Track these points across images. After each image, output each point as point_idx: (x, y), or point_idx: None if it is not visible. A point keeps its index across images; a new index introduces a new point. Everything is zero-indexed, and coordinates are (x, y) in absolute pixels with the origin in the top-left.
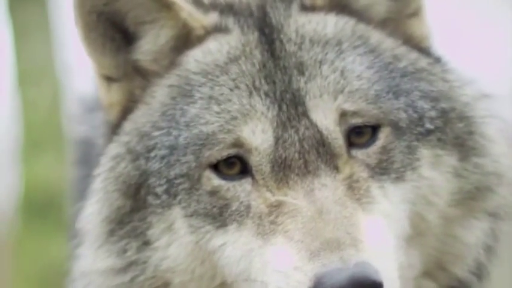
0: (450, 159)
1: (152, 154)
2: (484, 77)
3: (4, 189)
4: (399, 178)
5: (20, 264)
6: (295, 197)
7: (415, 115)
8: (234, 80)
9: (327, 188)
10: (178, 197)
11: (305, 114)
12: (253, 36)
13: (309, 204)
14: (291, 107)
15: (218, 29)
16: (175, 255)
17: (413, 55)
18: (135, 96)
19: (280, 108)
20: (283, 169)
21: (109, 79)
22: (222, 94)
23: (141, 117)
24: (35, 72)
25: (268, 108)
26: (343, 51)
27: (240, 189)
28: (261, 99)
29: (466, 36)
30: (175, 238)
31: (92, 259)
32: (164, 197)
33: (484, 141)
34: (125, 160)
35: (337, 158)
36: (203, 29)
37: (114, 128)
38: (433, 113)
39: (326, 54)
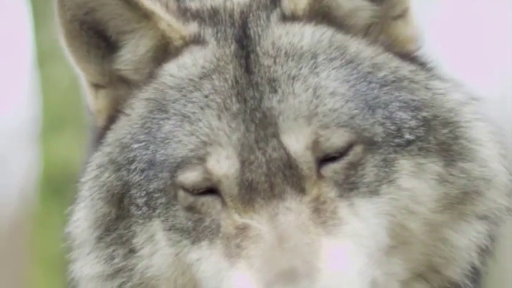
0: (434, 167)
1: (133, 166)
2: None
3: (23, 169)
4: (373, 192)
5: (38, 243)
6: (259, 221)
7: (392, 127)
8: (206, 96)
9: (291, 212)
10: (157, 211)
11: (275, 135)
12: (229, 49)
13: (271, 229)
14: (260, 127)
15: (196, 41)
16: (159, 265)
17: (395, 63)
18: (119, 105)
19: (247, 129)
20: (250, 192)
21: (96, 86)
22: (194, 113)
23: (122, 128)
24: (54, 52)
25: (235, 131)
26: (318, 65)
27: (212, 206)
28: (230, 120)
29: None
30: (157, 249)
31: (82, 265)
32: (145, 208)
33: (471, 146)
34: (108, 170)
35: (304, 179)
36: (182, 39)
37: (101, 136)
38: (413, 123)
39: (300, 69)
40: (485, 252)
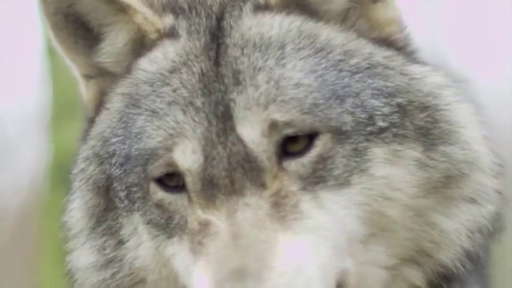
0: (412, 152)
1: (113, 160)
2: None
3: (34, 156)
4: (343, 184)
5: (48, 230)
6: (219, 217)
7: (363, 115)
8: (174, 91)
9: (250, 209)
10: (136, 204)
11: (233, 128)
12: (200, 42)
13: (228, 227)
14: (221, 120)
15: (170, 34)
16: (144, 257)
17: (369, 49)
18: (103, 97)
19: (210, 123)
20: (212, 188)
21: (87, 76)
22: (162, 108)
23: (103, 122)
24: None
25: (199, 125)
26: (286, 56)
27: (180, 203)
28: (194, 114)
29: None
30: (141, 241)
31: (78, 255)
32: (126, 202)
33: (452, 129)
34: (93, 163)
35: (264, 173)
36: (157, 33)
37: (89, 128)
38: (386, 110)
39: (266, 60)
40: (478, 234)
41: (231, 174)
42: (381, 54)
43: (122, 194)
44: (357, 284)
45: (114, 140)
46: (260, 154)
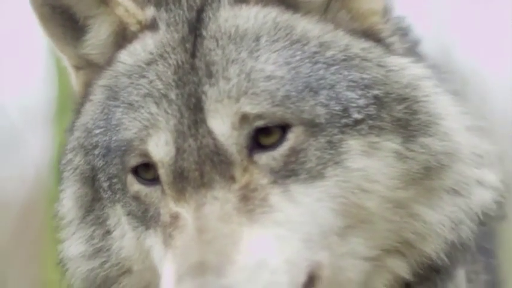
0: (390, 144)
1: (96, 152)
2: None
3: (39, 147)
4: (316, 177)
5: (52, 220)
6: (188, 210)
7: (338, 107)
8: (150, 83)
9: (218, 202)
10: (117, 196)
11: (204, 120)
12: (178, 34)
13: (195, 220)
14: (193, 113)
15: (150, 26)
16: (128, 247)
17: (345, 41)
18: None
19: (182, 115)
20: (182, 180)
21: (76, 67)
22: (137, 100)
23: (87, 113)
24: None
25: (171, 117)
26: (259, 49)
27: (155, 196)
28: (168, 106)
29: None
30: (124, 231)
31: (69, 245)
32: (109, 193)
33: (431, 120)
34: (79, 154)
35: (234, 166)
36: (138, 25)
37: (76, 117)
38: (362, 102)
39: (239, 52)
40: (466, 225)
41: (201, 167)
42: (358, 46)
43: (105, 185)
44: (333, 276)
45: (96, 131)
46: (230, 147)
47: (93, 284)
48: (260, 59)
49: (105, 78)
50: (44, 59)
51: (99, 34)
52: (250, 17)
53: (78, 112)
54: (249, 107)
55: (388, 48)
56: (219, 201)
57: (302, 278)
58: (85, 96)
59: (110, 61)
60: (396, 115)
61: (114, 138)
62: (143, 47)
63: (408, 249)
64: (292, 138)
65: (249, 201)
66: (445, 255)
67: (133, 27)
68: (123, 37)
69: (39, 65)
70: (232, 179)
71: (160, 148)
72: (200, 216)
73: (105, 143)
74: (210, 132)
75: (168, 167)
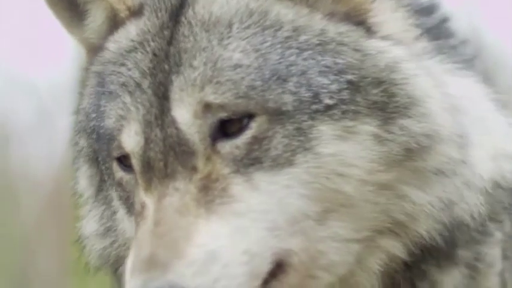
0: (367, 127)
1: (94, 136)
2: None
3: (66, 126)
4: (284, 164)
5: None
6: (152, 201)
7: (308, 94)
8: (128, 71)
9: (178, 193)
10: (110, 180)
11: (169, 110)
12: (159, 20)
13: (154, 212)
14: (160, 102)
15: (137, 12)
16: (129, 229)
17: (321, 25)
18: None
19: (151, 104)
20: (150, 171)
21: (85, 50)
22: (116, 89)
23: (86, 97)
24: None
25: (142, 107)
26: (230, 36)
27: (132, 183)
28: (140, 95)
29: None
30: (123, 214)
31: (86, 223)
32: (106, 176)
33: (409, 102)
34: (83, 137)
35: (196, 156)
36: (128, 10)
37: (80, 100)
38: (334, 87)
39: (210, 40)
40: (456, 206)
41: (165, 157)
42: (335, 30)
43: (103, 168)
44: (313, 260)
45: (93, 115)
46: (192, 136)
47: (108, 262)
48: (229, 47)
49: (96, 65)
50: (71, 40)
51: (96, 19)
52: (224, 3)
53: (81, 95)
54: (212, 97)
55: (370, 30)
56: (180, 192)
57: (266, 267)
58: (86, 79)
59: (101, 47)
60: (372, 98)
61: (101, 124)
62: (126, 34)
63: (401, 229)
64: (255, 127)
65: (209, 192)
66: (439, 236)
67: (123, 13)
68: (114, 23)
69: (68, 43)
70: (194, 169)
71: (131, 138)
72: (160, 208)
73: (97, 128)
74: (174, 122)
75: (138, 157)
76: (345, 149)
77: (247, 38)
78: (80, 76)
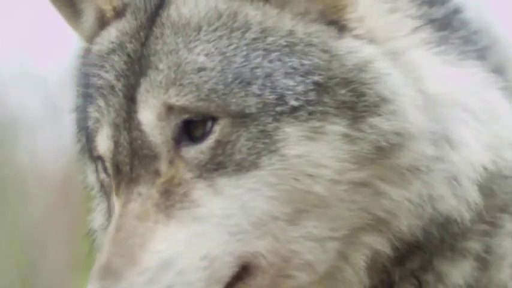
0: (336, 127)
1: (86, 135)
2: None
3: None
4: (249, 167)
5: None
6: (118, 206)
7: (272, 96)
8: (106, 73)
9: (140, 198)
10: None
11: (136, 112)
12: (137, 22)
13: (117, 217)
14: (129, 105)
15: (120, 13)
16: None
17: (290, 25)
18: None
19: (121, 107)
20: (118, 174)
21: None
22: (94, 92)
23: (77, 97)
24: None
25: (112, 110)
26: (198, 39)
27: (110, 185)
28: (112, 98)
29: None
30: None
31: (95, 216)
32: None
33: (379, 101)
34: (82, 134)
35: (159, 159)
36: (113, 11)
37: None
38: (300, 88)
39: (178, 43)
40: (437, 201)
41: (131, 161)
42: (304, 31)
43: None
44: (286, 261)
45: (82, 115)
46: (155, 138)
47: None
48: (195, 50)
49: (83, 65)
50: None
51: (88, 19)
52: (194, 5)
53: (76, 92)
54: (175, 99)
55: (344, 28)
56: (142, 197)
57: (228, 271)
58: (77, 79)
59: (89, 48)
60: (341, 99)
61: (87, 126)
62: (108, 35)
63: (383, 225)
64: (218, 130)
65: (171, 197)
66: (423, 231)
67: (109, 14)
68: (102, 23)
69: (76, 37)
70: (157, 173)
71: (103, 142)
72: (122, 214)
73: (86, 129)
74: (139, 124)
75: (109, 160)
76: (313, 150)
77: (213, 40)
78: (74, 75)
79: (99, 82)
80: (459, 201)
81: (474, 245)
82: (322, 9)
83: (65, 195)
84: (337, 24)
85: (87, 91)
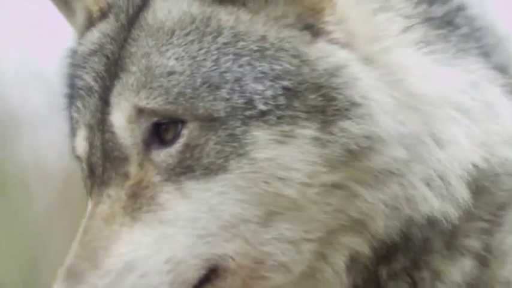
0: (306, 131)
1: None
2: None
3: None
4: (218, 171)
5: None
6: (90, 207)
7: (241, 100)
8: (86, 74)
9: (109, 200)
10: None
11: (109, 114)
12: (118, 23)
13: (87, 219)
14: (103, 107)
15: (105, 14)
16: None
17: (263, 30)
18: None
19: (96, 109)
20: (92, 176)
21: None
22: (75, 93)
23: (63, 96)
24: None
25: (88, 112)
26: (170, 43)
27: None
28: (89, 100)
29: None
30: None
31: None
32: None
33: (349, 105)
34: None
35: (129, 162)
36: (99, 12)
37: None
38: (269, 93)
39: (151, 46)
40: (415, 202)
41: (104, 163)
42: (275, 36)
43: None
44: (259, 263)
45: (68, 115)
46: (125, 140)
47: None
48: (166, 54)
49: (69, 66)
50: None
51: (79, 18)
52: (169, 10)
53: (63, 92)
54: (144, 102)
55: (319, 32)
56: (111, 199)
57: (194, 274)
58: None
59: (75, 49)
60: (311, 103)
61: (70, 126)
62: (91, 36)
63: (360, 226)
64: (186, 134)
65: (138, 200)
66: (403, 232)
67: (95, 14)
68: (90, 23)
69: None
70: (126, 175)
71: (80, 143)
72: (91, 215)
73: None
74: (111, 126)
75: (85, 161)
76: (283, 153)
77: (185, 45)
78: (62, 75)
79: (80, 83)
80: (444, 200)
81: (472, 242)
82: (299, 13)
83: (67, 193)
84: (313, 28)
85: (71, 92)
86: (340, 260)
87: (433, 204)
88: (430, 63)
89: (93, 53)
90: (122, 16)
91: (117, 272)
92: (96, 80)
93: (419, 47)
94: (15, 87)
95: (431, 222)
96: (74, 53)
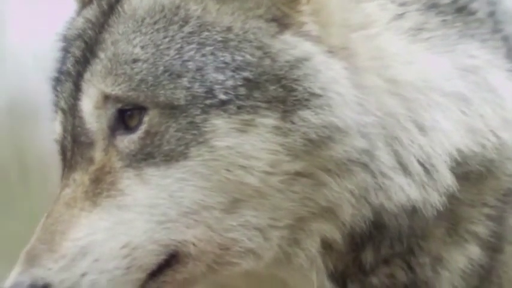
0: (267, 120)
1: None
2: None
3: None
4: (178, 157)
5: None
6: (58, 191)
7: (201, 89)
8: (68, 59)
9: (74, 184)
10: None
11: (79, 99)
12: (101, 9)
13: (53, 203)
14: (76, 92)
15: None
16: None
17: (229, 21)
18: None
19: (70, 94)
20: (63, 160)
21: None
22: (57, 77)
23: (52, 80)
24: None
25: (63, 96)
26: (138, 31)
27: None
28: (64, 84)
29: None
30: None
31: None
32: None
33: (308, 95)
34: None
35: (94, 147)
36: None
37: None
38: (230, 83)
39: (122, 33)
40: (383, 191)
41: (73, 148)
42: (241, 27)
43: None
44: (224, 249)
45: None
46: (92, 126)
47: None
48: (133, 42)
49: (58, 50)
50: None
51: (76, 3)
52: None
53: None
54: (110, 88)
55: (287, 24)
56: (75, 183)
57: (153, 259)
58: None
59: (65, 34)
60: (272, 94)
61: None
62: (77, 22)
63: (329, 214)
64: (147, 121)
65: (99, 185)
66: (373, 221)
67: (87, 1)
68: (80, 9)
69: None
70: (91, 160)
71: (56, 127)
72: (57, 199)
73: None
74: (80, 111)
75: (59, 145)
76: (243, 142)
77: (151, 33)
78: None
79: (63, 68)
80: (424, 187)
81: (478, 229)
82: (272, 3)
83: None
84: (282, 19)
85: (57, 76)
86: (312, 246)
87: (410, 192)
88: (419, 50)
89: (77, 37)
90: (104, 2)
91: (71, 256)
92: (73, 65)
93: (410, 34)
94: (34, 77)
95: (409, 210)
96: (64, 37)
